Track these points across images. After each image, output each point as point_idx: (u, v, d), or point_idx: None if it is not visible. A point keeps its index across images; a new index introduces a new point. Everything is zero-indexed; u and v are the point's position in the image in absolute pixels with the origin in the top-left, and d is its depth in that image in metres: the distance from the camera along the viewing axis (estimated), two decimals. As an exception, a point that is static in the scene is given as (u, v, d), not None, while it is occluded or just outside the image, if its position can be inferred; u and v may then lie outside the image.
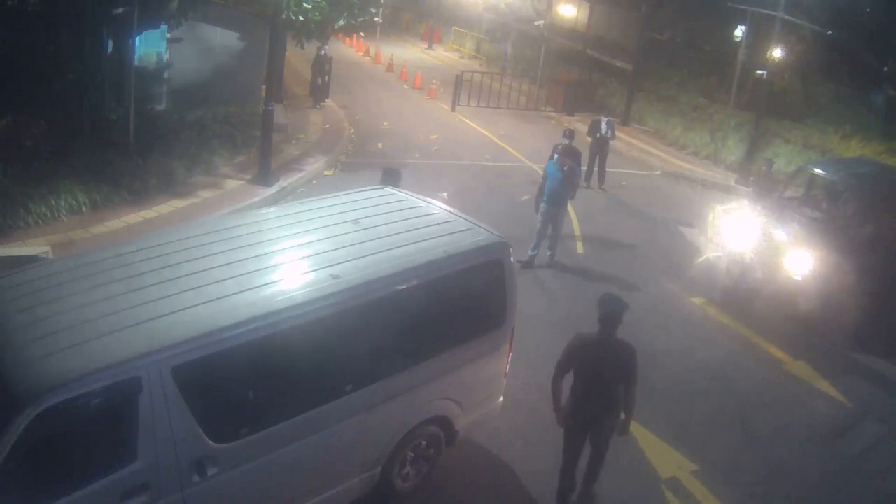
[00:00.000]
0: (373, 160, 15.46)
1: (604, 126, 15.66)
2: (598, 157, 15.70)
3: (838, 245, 10.05)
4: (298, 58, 22.17)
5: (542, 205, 11.10)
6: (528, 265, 11.04)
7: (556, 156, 11.29)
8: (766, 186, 13.00)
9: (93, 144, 11.48)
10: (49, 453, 4.11)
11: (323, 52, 18.71)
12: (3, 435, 3.93)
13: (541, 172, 11.98)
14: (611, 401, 6.06)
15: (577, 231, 12.96)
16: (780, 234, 10.73)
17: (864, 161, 14.96)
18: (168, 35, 14.57)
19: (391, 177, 8.76)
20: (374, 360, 5.54)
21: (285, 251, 5.69)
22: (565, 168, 10.97)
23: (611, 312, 5.97)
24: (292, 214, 6.45)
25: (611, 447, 6.51)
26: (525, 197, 13.68)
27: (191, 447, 4.62)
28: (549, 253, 11.31)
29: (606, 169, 15.80)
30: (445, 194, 11.88)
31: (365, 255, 5.68)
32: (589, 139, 15.95)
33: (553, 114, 22.41)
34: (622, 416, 6.12)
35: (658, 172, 17.76)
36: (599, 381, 6.00)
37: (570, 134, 12.50)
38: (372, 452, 5.77)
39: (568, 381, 6.19)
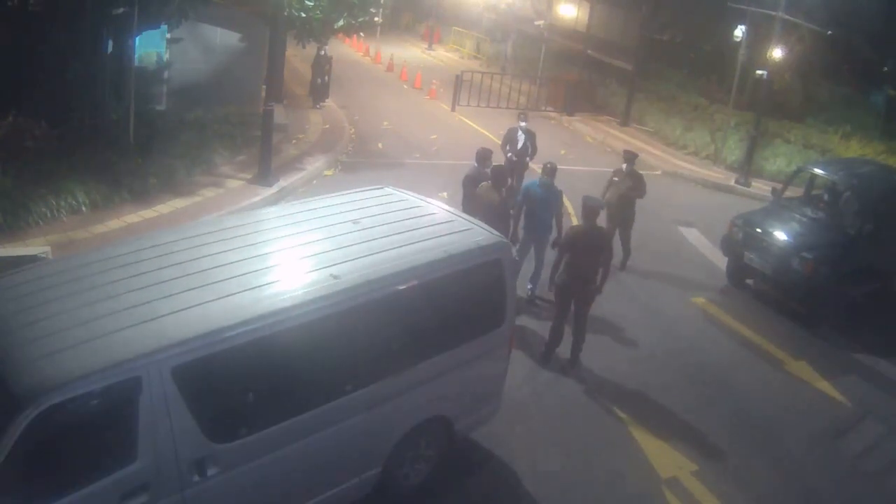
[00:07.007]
0: (373, 160, 15.46)
1: (520, 137, 12.42)
2: (514, 175, 12.23)
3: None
4: (298, 58, 22.16)
5: (523, 234, 9.70)
6: (531, 301, 9.80)
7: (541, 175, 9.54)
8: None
9: (93, 144, 11.47)
10: (49, 453, 4.11)
11: (323, 52, 18.69)
12: (3, 435, 3.93)
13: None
14: (591, 271, 8.29)
15: (576, 231, 12.93)
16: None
17: (864, 161, 14.96)
18: (168, 35, 14.56)
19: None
20: (374, 360, 5.54)
21: (285, 251, 5.69)
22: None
23: (590, 207, 8.35)
24: (292, 214, 6.45)
25: (611, 448, 6.57)
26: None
27: (191, 447, 4.62)
28: (529, 286, 9.78)
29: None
30: (445, 194, 11.86)
31: (365, 255, 5.68)
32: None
33: (553, 114, 22.38)
34: (598, 280, 8.35)
35: (658, 172, 17.73)
36: (585, 257, 8.23)
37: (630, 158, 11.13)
38: (371, 452, 5.77)
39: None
